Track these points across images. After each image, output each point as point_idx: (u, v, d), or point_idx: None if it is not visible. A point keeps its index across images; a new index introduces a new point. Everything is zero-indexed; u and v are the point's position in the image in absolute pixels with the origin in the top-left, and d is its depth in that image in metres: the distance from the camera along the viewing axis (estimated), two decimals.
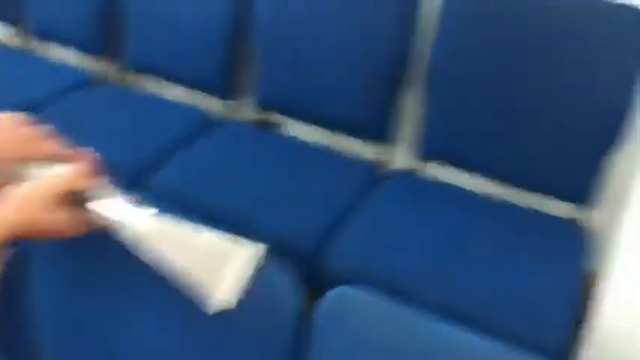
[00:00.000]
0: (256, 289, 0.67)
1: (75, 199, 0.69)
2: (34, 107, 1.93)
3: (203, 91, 2.06)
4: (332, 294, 0.77)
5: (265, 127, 1.98)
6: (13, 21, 2.41)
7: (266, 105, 1.94)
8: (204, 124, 1.93)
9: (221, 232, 0.68)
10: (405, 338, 0.71)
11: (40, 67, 2.21)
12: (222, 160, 1.75)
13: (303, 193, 1.60)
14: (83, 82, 2.13)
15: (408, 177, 1.73)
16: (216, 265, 0.65)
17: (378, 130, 1.77)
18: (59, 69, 2.21)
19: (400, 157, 1.86)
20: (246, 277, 0.66)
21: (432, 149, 1.72)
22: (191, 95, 2.10)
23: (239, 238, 0.67)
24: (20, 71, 2.16)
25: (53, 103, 1.96)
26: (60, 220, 0.68)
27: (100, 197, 0.70)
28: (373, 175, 1.74)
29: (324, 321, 0.76)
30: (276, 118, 1.98)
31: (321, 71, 1.77)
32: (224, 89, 1.99)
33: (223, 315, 0.65)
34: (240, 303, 0.65)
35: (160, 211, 0.70)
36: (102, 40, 2.17)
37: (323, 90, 1.79)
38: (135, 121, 1.91)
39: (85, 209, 0.69)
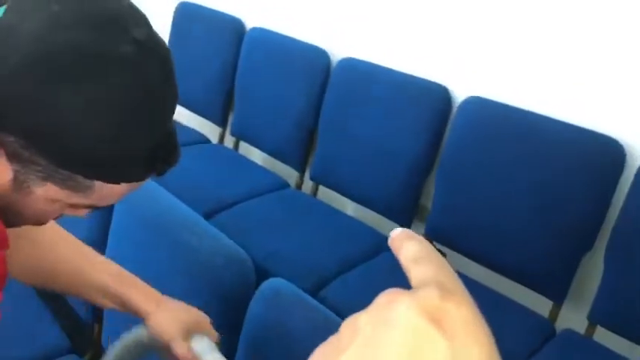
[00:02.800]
0: None
1: None
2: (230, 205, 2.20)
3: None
4: None
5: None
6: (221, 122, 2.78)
7: (435, 237, 2.05)
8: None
9: None
10: None
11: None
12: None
13: None
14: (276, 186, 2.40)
15: (577, 339, 1.72)
16: None
17: (554, 288, 1.79)
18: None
19: (568, 316, 1.86)
20: None
21: (603, 314, 1.71)
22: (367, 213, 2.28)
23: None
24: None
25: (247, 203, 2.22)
26: None
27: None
28: (544, 330, 1.75)
29: None
30: (443, 249, 2.09)
31: (499, 217, 1.86)
32: (402, 217, 2.13)
33: None
34: None
35: None
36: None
37: (500, 236, 1.86)
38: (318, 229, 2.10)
39: None
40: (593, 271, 1.78)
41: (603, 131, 1.72)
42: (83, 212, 0.75)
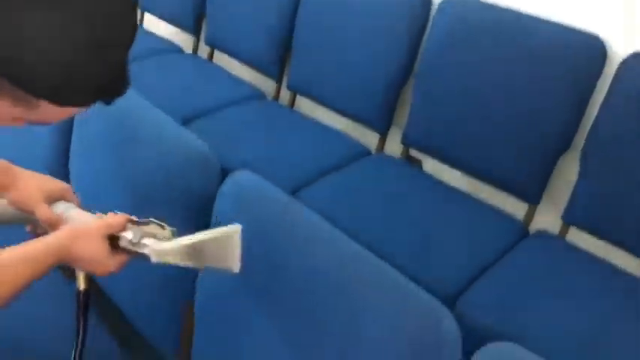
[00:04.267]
0: None
1: (112, 241, 0.90)
2: (205, 113, 2.16)
3: (357, 122, 2.18)
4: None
5: (410, 163, 2.07)
6: (194, 31, 2.68)
7: (412, 143, 2.02)
8: (357, 153, 2.05)
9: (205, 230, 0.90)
10: None
11: (216, 78, 2.44)
12: (369, 190, 1.84)
13: (447, 237, 1.66)
14: (252, 96, 2.33)
15: (550, 239, 1.74)
16: (220, 253, 0.90)
17: (529, 190, 1.79)
18: (233, 82, 2.43)
19: (542, 217, 1.86)
20: (239, 247, 0.90)
21: (578, 215, 1.72)
22: (343, 123, 2.24)
23: (222, 228, 0.90)
24: (198, 80, 2.40)
25: (223, 112, 2.17)
26: (98, 254, 0.87)
27: (128, 236, 0.90)
28: (517, 232, 1.76)
29: None
30: (418, 155, 2.07)
31: (477, 122, 1.83)
32: (379, 124, 2.10)
33: None
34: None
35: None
36: (274, 61, 2.36)
37: (477, 140, 1.84)
38: (294, 140, 2.06)
39: (120, 248, 0.90)
40: (568, 172, 1.78)
41: (583, 27, 1.67)
42: (21, 124, 0.75)
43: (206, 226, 1.12)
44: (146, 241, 0.90)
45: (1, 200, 1.00)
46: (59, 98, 0.68)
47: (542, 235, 1.75)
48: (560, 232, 1.77)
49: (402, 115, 2.07)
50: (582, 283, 1.55)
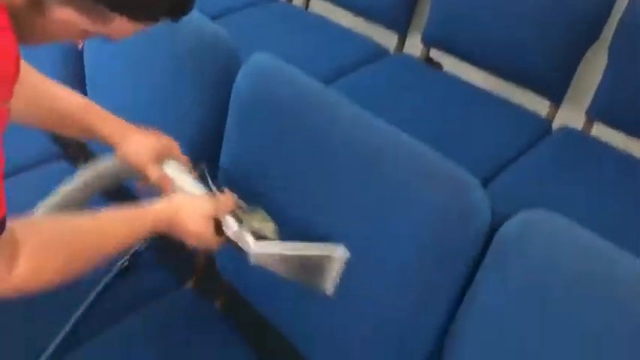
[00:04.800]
0: None
1: (216, 223, 0.89)
2: (217, 17, 2.09)
3: (374, 21, 2.11)
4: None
5: (430, 64, 2.02)
6: None
7: (432, 42, 1.96)
8: (375, 53, 1.99)
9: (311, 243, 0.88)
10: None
11: None
12: (388, 88, 1.80)
13: (469, 134, 1.63)
14: None
15: (575, 135, 1.71)
16: (318, 272, 0.87)
17: (554, 86, 1.74)
18: None
19: (565, 114, 1.83)
20: (340, 272, 0.87)
21: (603, 110, 1.68)
22: (361, 24, 2.17)
23: (328, 245, 0.87)
24: None
25: (237, 14, 2.11)
26: (200, 232, 0.88)
27: (233, 227, 0.89)
28: (540, 128, 1.73)
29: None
30: (439, 56, 2.01)
31: (500, 17, 1.76)
32: (398, 22, 2.03)
33: None
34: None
35: None
36: None
37: (499, 35, 1.78)
38: (309, 41, 2.01)
39: (221, 232, 0.89)
40: (594, 68, 1.72)
41: None
42: (84, 38, 0.75)
43: (224, 108, 1.11)
44: (247, 236, 0.88)
45: (112, 158, 1.02)
46: (135, 13, 0.68)
47: (566, 130, 1.72)
48: (583, 127, 1.73)
49: (422, 16, 2.00)
50: (607, 175, 1.53)
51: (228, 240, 0.90)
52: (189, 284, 1.31)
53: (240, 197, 0.96)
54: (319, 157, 0.97)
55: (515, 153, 1.61)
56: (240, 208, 0.92)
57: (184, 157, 1.04)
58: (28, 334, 1.10)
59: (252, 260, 0.87)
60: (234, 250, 0.91)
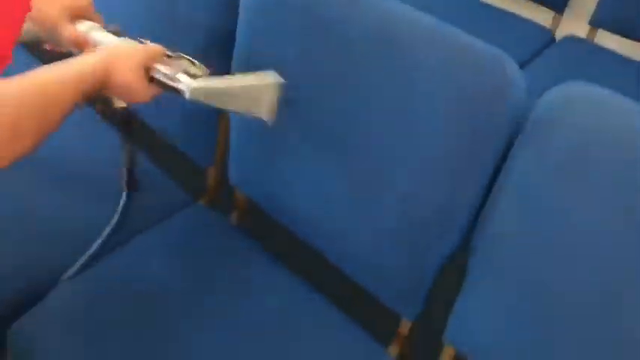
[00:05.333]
0: None
1: (147, 72, 0.86)
2: None
3: None
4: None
5: None
6: None
7: None
8: None
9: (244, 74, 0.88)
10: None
11: None
12: None
13: None
14: None
15: (578, 43, 1.69)
16: (255, 100, 0.88)
17: None
18: None
19: (568, 25, 1.80)
20: (276, 99, 0.89)
21: (606, 17, 1.66)
22: None
23: (260, 73, 0.88)
24: None
25: None
26: (135, 81, 0.83)
27: (164, 70, 0.86)
28: (544, 38, 1.71)
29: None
30: None
31: None
32: None
33: None
34: None
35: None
36: None
37: None
38: None
39: (154, 80, 0.86)
40: None
41: None
42: None
43: (234, 11, 1.06)
44: (180, 76, 0.86)
45: None
46: None
47: (570, 39, 1.70)
48: (587, 36, 1.72)
49: None
50: (611, 78, 1.52)
51: (162, 85, 0.87)
52: (203, 201, 1.30)
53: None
54: (340, 51, 0.93)
55: (519, 61, 1.58)
56: (167, 55, 0.90)
57: (99, 18, 0.97)
58: (56, 249, 1.10)
59: (188, 95, 0.85)
60: (243, 153, 0.90)
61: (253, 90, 0.88)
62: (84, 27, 0.92)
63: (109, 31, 0.94)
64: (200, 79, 0.87)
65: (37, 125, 0.71)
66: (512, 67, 0.80)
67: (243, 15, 1.05)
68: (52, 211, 1.15)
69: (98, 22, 0.95)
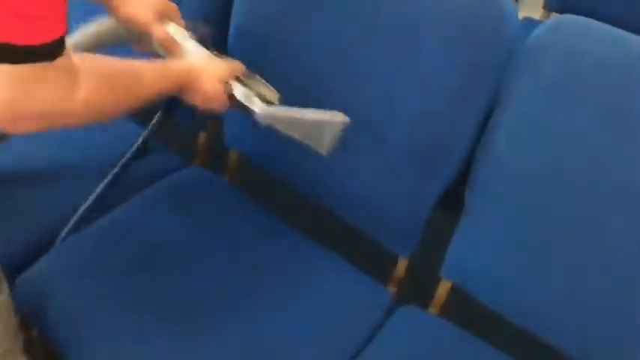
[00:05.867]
0: None
1: (226, 87, 0.93)
2: None
3: None
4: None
5: None
6: None
7: None
8: None
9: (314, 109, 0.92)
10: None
11: None
12: None
13: None
14: None
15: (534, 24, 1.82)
16: (319, 133, 0.93)
17: None
18: None
19: (525, 8, 1.94)
20: (338, 136, 0.93)
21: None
22: None
23: (329, 112, 0.92)
24: None
25: None
26: (215, 94, 0.91)
27: (241, 89, 0.93)
28: None
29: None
30: None
31: None
32: None
33: None
34: None
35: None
36: None
37: None
38: None
39: (231, 95, 0.93)
40: None
41: None
42: None
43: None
44: (255, 99, 0.92)
45: (109, 19, 0.99)
46: None
47: (529, 20, 1.83)
48: (541, 17, 1.85)
49: None
50: None
51: (237, 102, 0.93)
52: (196, 163, 1.33)
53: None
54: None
55: None
56: (244, 74, 0.96)
57: (183, 23, 1.03)
58: (60, 200, 1.13)
59: (261, 119, 0.92)
60: (239, 115, 0.95)
61: (320, 124, 0.93)
62: (173, 30, 0.97)
63: (195, 35, 0.99)
64: (273, 105, 0.93)
65: (114, 99, 0.78)
66: (507, 1, 0.88)
67: None
68: (56, 167, 1.17)
69: (181, 25, 1.00)
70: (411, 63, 0.95)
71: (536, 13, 1.86)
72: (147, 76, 0.85)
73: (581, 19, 0.87)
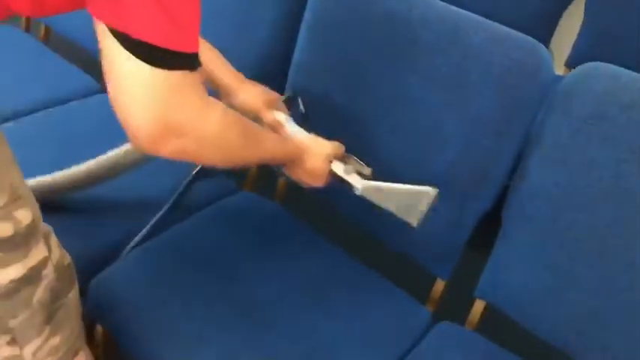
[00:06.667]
0: None
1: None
2: None
3: None
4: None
5: None
6: None
7: None
8: None
9: (404, 184, 1.02)
10: None
11: None
12: None
13: None
14: None
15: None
16: (413, 205, 1.01)
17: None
18: None
19: None
20: (429, 208, 1.01)
21: (581, 58, 1.92)
22: None
23: (418, 185, 1.01)
24: None
25: None
26: (321, 171, 1.03)
27: (342, 166, 1.05)
28: None
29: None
30: None
31: None
32: None
33: None
34: None
35: None
36: None
37: None
38: None
39: (331, 171, 1.05)
40: (572, 22, 1.97)
41: None
42: None
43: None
44: (354, 176, 1.04)
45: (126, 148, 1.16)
46: None
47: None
48: (564, 74, 1.98)
49: None
50: None
51: (338, 178, 1.05)
52: (247, 188, 1.44)
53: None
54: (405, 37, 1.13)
55: None
56: (343, 154, 1.09)
57: (285, 108, 1.18)
58: (128, 217, 1.25)
59: (360, 192, 1.03)
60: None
61: (413, 196, 1.01)
62: (279, 115, 1.13)
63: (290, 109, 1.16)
64: (370, 180, 1.04)
65: (241, 141, 0.84)
66: (543, 50, 1.01)
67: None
68: (128, 189, 1.28)
69: (284, 111, 1.16)
70: (461, 102, 1.08)
71: (559, 71, 1.99)
72: (269, 139, 0.96)
73: (609, 65, 0.99)
